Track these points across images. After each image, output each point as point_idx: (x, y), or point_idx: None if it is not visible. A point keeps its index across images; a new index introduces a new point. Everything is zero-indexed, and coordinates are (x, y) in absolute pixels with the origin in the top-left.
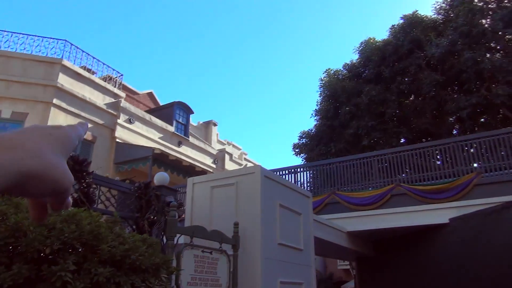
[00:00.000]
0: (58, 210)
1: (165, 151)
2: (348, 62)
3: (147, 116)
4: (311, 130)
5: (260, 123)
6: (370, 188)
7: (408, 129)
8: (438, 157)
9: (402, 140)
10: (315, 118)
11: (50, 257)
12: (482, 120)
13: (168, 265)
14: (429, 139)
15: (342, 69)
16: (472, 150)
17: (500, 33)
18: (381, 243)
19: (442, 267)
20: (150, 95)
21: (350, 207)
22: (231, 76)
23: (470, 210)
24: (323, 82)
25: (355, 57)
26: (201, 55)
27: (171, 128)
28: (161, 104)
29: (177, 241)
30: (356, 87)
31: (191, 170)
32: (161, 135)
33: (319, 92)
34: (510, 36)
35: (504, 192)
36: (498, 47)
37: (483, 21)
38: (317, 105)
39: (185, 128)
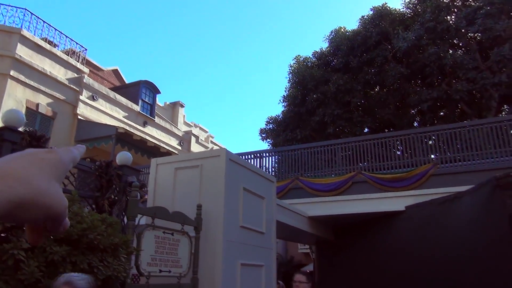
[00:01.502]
0: (56, 233)
1: (130, 131)
2: (317, 50)
3: (112, 94)
4: (279, 116)
5: (229, 107)
6: (333, 175)
7: (372, 119)
8: (399, 147)
9: (366, 130)
10: (283, 104)
11: (2, 235)
12: (441, 113)
13: (128, 245)
14: (391, 129)
15: (311, 56)
16: (430, 142)
17: (463, 30)
18: (340, 228)
19: (397, 251)
20: (115, 72)
21: (313, 192)
22: (201, 59)
23: (425, 198)
24: (292, 68)
25: (325, 45)
26: (171, 35)
27: (137, 108)
28: (126, 82)
29: (139, 221)
30: (324, 75)
31: (156, 151)
32: (126, 114)
33: (288, 79)
34: (472, 34)
35: (457, 183)
36: (461, 44)
37: (448, 17)
38: (285, 91)
39: (151, 108)
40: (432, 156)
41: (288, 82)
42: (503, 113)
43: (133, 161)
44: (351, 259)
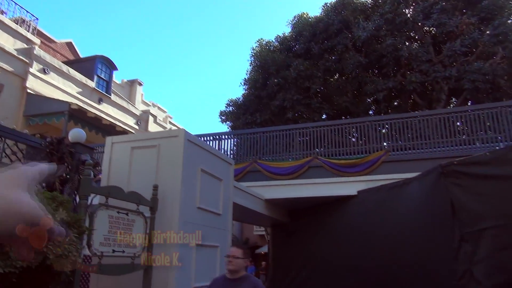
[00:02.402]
0: (42, 246)
1: (84, 107)
2: (280, 34)
3: (65, 68)
4: (239, 99)
5: (189, 88)
6: (290, 159)
7: (330, 105)
8: (354, 134)
9: (324, 116)
10: (244, 87)
11: None
12: (395, 103)
13: (80, 225)
14: (348, 117)
15: (274, 41)
16: (384, 130)
17: (419, 24)
18: (296, 211)
19: (349, 234)
20: (69, 45)
21: (270, 176)
22: (163, 38)
23: (376, 184)
24: (255, 52)
25: (287, 30)
26: (131, 11)
27: (92, 84)
28: (81, 56)
29: (92, 201)
30: (285, 60)
31: (111, 130)
32: (80, 90)
33: (250, 62)
34: (427, 28)
35: (406, 170)
36: (416, 37)
37: (406, 10)
38: (247, 74)
39: (107, 85)
40: (385, 143)
41: (250, 65)
42: (451, 105)
43: (87, 139)
44: (305, 241)
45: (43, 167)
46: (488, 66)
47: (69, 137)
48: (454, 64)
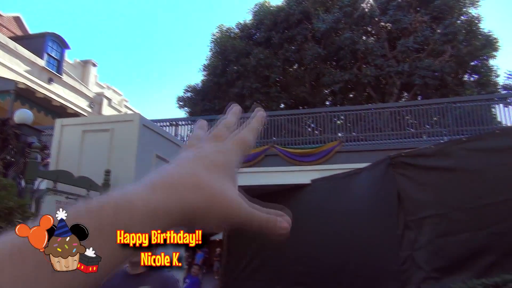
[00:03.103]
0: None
1: (32, 87)
2: (241, 21)
3: (11, 44)
4: (198, 85)
5: (147, 72)
6: None
7: (288, 95)
8: (311, 124)
9: (282, 105)
10: (203, 73)
11: None
12: (351, 95)
13: (25, 210)
14: (305, 107)
15: (235, 27)
16: (339, 122)
17: (376, 19)
18: (251, 199)
19: (303, 222)
20: (17, 19)
21: None
22: (120, 20)
23: (329, 173)
24: (215, 38)
25: (249, 17)
26: None
27: (41, 62)
28: (30, 32)
29: (39, 186)
30: (246, 48)
31: (62, 111)
32: (28, 68)
33: (210, 48)
34: (383, 24)
35: (358, 160)
36: (373, 32)
37: (364, 5)
38: (206, 61)
39: (58, 64)
40: (340, 134)
41: (210, 51)
42: (403, 99)
43: (35, 120)
44: None
45: (249, 140)
46: (438, 63)
47: (15, 118)
48: (407, 60)
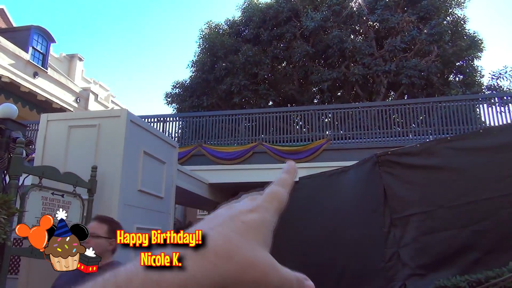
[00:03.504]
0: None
1: (16, 81)
2: (230, 18)
3: None
4: (186, 81)
5: (134, 68)
6: (235, 144)
7: (276, 92)
8: (299, 122)
9: (270, 103)
10: (191, 69)
11: None
12: (338, 94)
13: (9, 206)
14: (293, 104)
15: (223, 24)
16: (326, 120)
17: (364, 18)
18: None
19: (290, 219)
20: (1, 12)
21: (215, 160)
22: (106, 13)
23: (317, 171)
24: (204, 34)
25: (238, 14)
26: None
27: (26, 56)
28: (14, 25)
29: (24, 181)
30: (234, 45)
31: (47, 106)
32: (12, 62)
33: (198, 44)
34: (371, 23)
35: (345, 158)
36: (361, 31)
37: (352, 4)
38: (194, 57)
39: (43, 58)
40: (328, 132)
41: (198, 47)
42: (390, 98)
43: (20, 115)
44: None
45: (283, 195)
46: (424, 63)
47: None
48: (394, 59)
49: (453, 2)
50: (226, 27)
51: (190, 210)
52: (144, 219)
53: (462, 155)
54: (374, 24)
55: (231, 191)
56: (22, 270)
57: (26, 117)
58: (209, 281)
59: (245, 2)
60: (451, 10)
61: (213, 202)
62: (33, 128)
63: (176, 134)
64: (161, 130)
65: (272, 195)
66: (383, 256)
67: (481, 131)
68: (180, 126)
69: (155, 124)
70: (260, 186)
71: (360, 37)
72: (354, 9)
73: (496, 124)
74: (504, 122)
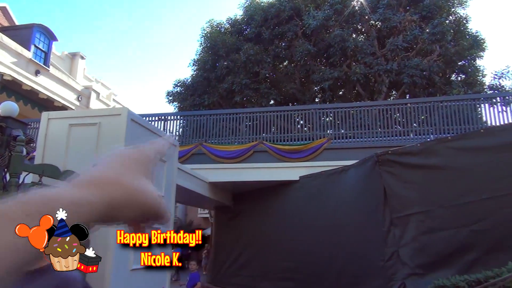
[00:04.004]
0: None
1: (18, 79)
2: (232, 17)
3: None
4: (187, 79)
5: (136, 66)
6: (236, 143)
7: (278, 91)
8: (300, 121)
9: (271, 102)
10: (193, 68)
11: None
12: (340, 93)
13: None
14: (295, 103)
15: (225, 22)
16: (328, 119)
17: (366, 17)
18: (239, 194)
19: (290, 218)
20: (4, 10)
21: (215, 159)
22: (108, 12)
23: (317, 170)
24: (205, 32)
25: (239, 13)
26: None
27: (28, 54)
28: (17, 23)
29: (24, 179)
30: (236, 43)
31: (49, 104)
32: (15, 60)
33: (200, 42)
34: (373, 22)
35: (345, 158)
36: (363, 30)
37: (354, 3)
38: (196, 55)
39: (45, 56)
40: (329, 131)
41: (200, 46)
42: (391, 97)
43: (22, 113)
44: (248, 224)
45: (161, 147)
46: (426, 62)
47: (0, 110)
48: (396, 58)
49: (455, 1)
50: (227, 25)
51: (191, 208)
52: None
53: (462, 155)
54: (376, 23)
55: (232, 190)
56: None
57: (27, 115)
58: (100, 202)
59: (247, 1)
60: (454, 9)
61: (214, 201)
62: (34, 126)
63: (177, 133)
64: (162, 129)
65: (151, 143)
66: (383, 255)
67: (482, 130)
68: (181, 124)
69: (156, 122)
70: (260, 184)
71: (362, 36)
72: (356, 8)
73: (498, 124)
74: (506, 122)
